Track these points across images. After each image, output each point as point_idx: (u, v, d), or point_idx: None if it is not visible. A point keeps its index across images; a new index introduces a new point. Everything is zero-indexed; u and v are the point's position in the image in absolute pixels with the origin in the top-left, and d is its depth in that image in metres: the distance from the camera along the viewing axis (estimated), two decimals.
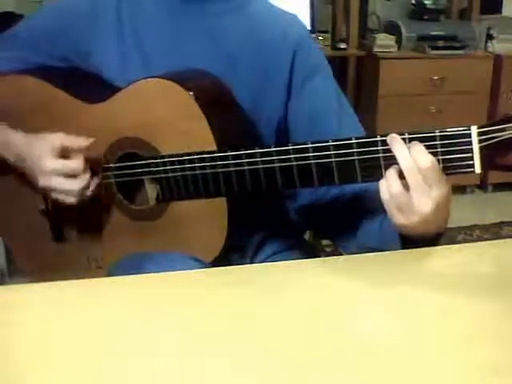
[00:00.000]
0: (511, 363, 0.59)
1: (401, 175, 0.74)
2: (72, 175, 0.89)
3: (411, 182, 0.73)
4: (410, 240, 0.82)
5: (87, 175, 0.90)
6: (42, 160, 0.89)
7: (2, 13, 2.59)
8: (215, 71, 0.92)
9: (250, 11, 0.99)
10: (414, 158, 0.73)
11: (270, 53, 0.97)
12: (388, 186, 0.75)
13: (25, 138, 0.93)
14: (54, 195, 0.91)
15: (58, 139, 0.91)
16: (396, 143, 0.74)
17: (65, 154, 0.90)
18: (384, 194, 0.76)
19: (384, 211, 0.87)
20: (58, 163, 0.89)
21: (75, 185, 0.89)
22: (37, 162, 0.90)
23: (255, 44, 0.97)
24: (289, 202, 1.06)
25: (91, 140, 0.90)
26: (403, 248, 0.84)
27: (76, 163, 0.89)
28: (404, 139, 0.74)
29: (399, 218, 0.76)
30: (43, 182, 0.90)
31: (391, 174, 0.75)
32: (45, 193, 0.94)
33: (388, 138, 0.75)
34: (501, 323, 0.66)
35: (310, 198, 1.00)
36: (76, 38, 0.96)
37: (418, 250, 0.83)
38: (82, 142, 0.90)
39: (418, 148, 0.73)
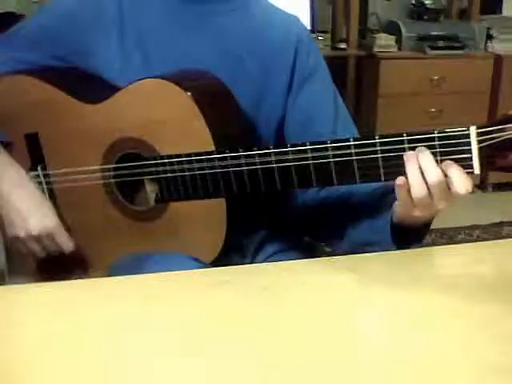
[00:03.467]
0: (511, 363, 0.59)
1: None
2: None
3: (436, 192, 0.73)
4: (403, 233, 0.82)
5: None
6: (44, 216, 0.93)
7: (3, 13, 2.59)
8: (216, 71, 0.92)
9: (251, 11, 1.00)
10: (453, 181, 0.71)
11: (271, 53, 0.97)
12: (414, 191, 0.73)
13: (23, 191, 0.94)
14: (33, 246, 0.95)
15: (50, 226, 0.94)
16: (423, 155, 0.73)
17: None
18: (402, 195, 0.75)
19: (373, 210, 0.88)
20: (57, 229, 0.94)
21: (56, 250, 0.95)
22: (36, 216, 0.93)
23: (256, 44, 0.97)
24: (285, 203, 1.06)
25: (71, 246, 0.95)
26: (394, 242, 0.84)
27: (68, 244, 0.95)
28: (403, 140, 0.74)
29: (413, 211, 0.76)
30: (35, 231, 0.93)
31: (416, 179, 0.73)
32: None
33: (416, 152, 0.73)
34: (501, 323, 0.66)
35: (301, 200, 1.00)
36: (76, 37, 0.96)
37: (417, 250, 0.84)
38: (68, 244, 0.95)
39: (457, 170, 0.72)
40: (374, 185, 0.86)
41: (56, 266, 0.99)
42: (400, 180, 0.74)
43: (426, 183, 0.72)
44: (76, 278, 0.78)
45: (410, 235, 0.83)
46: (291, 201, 1.04)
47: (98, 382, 0.57)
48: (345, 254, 0.89)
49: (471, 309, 0.69)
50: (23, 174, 0.95)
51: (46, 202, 0.95)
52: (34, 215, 0.92)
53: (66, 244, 0.95)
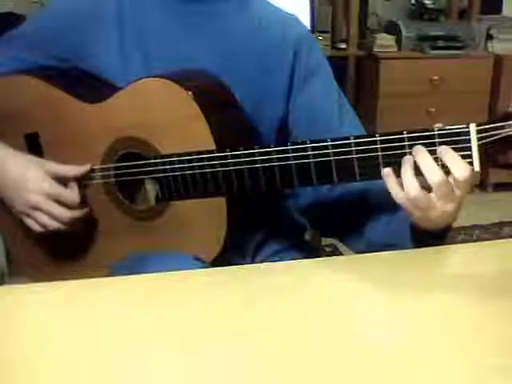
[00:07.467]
0: (511, 363, 0.59)
1: (417, 172, 0.73)
2: (65, 204, 0.92)
3: (439, 194, 0.72)
4: (421, 236, 0.82)
5: (80, 210, 0.94)
6: (38, 181, 0.91)
7: (2, 13, 2.59)
8: (216, 71, 0.92)
9: (251, 11, 1.00)
10: (450, 168, 0.71)
11: (271, 52, 0.97)
12: (406, 191, 0.73)
13: (16, 160, 0.93)
14: (40, 217, 0.92)
15: (52, 166, 0.93)
16: (422, 155, 0.72)
17: (59, 180, 0.93)
18: (397, 197, 0.75)
19: (391, 209, 0.87)
20: (55, 188, 0.92)
21: (66, 214, 0.92)
22: (31, 182, 0.91)
23: (256, 44, 0.97)
24: (291, 201, 1.06)
25: (87, 167, 0.93)
26: (414, 245, 0.84)
27: (73, 196, 0.93)
28: (403, 138, 0.74)
29: (417, 214, 0.76)
30: (33, 199, 0.91)
31: (408, 177, 0.73)
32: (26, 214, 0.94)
33: (413, 150, 0.73)
34: (501, 323, 0.66)
35: (313, 197, 1.00)
36: (76, 37, 0.96)
37: (417, 250, 0.84)
38: (74, 170, 0.93)
39: (453, 156, 0.71)
40: None
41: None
42: (386, 170, 0.74)
43: (424, 181, 0.72)
44: (77, 278, 0.78)
45: (428, 238, 0.83)
46: (295, 200, 1.04)
47: (97, 382, 0.57)
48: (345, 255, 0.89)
49: (471, 309, 0.69)
50: (9, 149, 0.94)
51: (38, 164, 0.93)
52: (29, 181, 0.91)
53: (71, 197, 0.92)
